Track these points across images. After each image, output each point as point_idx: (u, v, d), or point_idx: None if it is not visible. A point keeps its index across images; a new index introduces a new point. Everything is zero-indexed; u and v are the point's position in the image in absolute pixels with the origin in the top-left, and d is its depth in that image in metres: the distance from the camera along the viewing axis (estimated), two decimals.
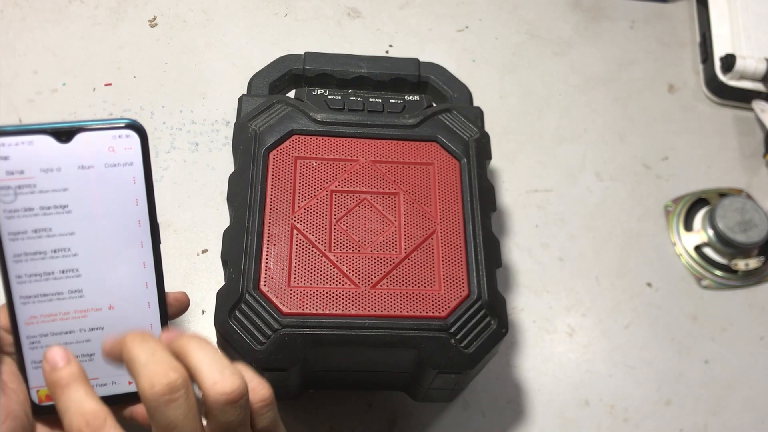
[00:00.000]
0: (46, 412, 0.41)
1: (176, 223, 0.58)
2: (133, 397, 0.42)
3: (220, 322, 0.43)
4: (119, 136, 0.38)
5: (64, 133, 0.37)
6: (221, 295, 0.43)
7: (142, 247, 0.40)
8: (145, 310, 0.41)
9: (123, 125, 0.38)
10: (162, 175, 0.59)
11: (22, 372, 0.40)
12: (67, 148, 0.37)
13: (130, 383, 0.42)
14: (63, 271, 0.39)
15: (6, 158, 0.36)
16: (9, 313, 0.39)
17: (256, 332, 0.42)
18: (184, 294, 0.45)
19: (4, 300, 0.39)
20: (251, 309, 0.42)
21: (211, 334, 0.45)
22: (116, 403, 0.42)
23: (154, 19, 0.67)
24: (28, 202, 0.37)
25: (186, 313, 0.53)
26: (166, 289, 0.42)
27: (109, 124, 0.38)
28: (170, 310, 0.44)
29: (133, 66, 0.64)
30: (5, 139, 0.36)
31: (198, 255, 0.57)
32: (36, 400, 0.40)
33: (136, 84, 0.64)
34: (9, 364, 0.40)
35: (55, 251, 0.39)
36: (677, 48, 0.74)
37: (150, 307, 0.41)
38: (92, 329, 0.40)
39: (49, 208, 0.38)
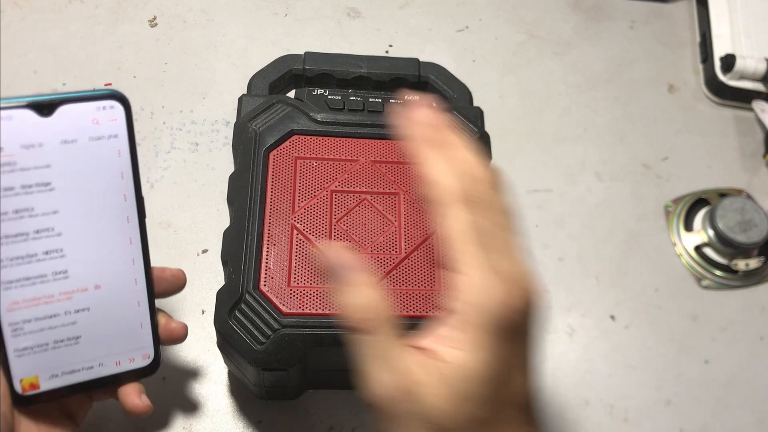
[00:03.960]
0: (29, 402, 0.39)
1: (176, 223, 0.58)
2: (120, 378, 0.41)
3: (220, 322, 0.43)
4: (103, 108, 0.37)
5: (45, 107, 0.35)
6: (221, 295, 0.43)
7: (128, 222, 0.39)
8: (132, 287, 0.40)
9: (106, 95, 0.37)
10: (162, 175, 0.59)
11: (4, 362, 0.38)
12: (48, 122, 0.35)
13: (117, 364, 0.40)
14: (46, 252, 0.37)
15: None
16: None
17: (256, 332, 0.42)
18: (181, 271, 0.44)
19: None
20: (251, 309, 0.42)
21: (211, 334, 0.45)
22: (103, 385, 0.41)
23: (154, 19, 0.67)
24: (9, 181, 0.35)
25: (185, 312, 0.54)
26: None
27: (92, 94, 0.36)
28: (166, 286, 0.43)
29: (133, 66, 0.64)
30: None
31: (198, 255, 0.57)
32: (19, 390, 0.38)
33: (136, 84, 0.64)
34: None
35: (37, 232, 0.36)
36: (677, 48, 0.73)
37: (137, 283, 0.40)
38: (78, 311, 0.39)
39: (30, 186, 0.36)
